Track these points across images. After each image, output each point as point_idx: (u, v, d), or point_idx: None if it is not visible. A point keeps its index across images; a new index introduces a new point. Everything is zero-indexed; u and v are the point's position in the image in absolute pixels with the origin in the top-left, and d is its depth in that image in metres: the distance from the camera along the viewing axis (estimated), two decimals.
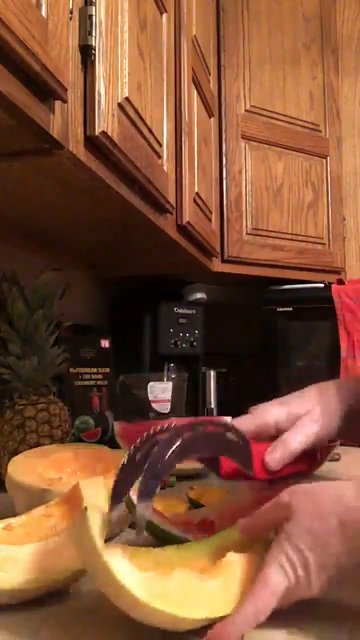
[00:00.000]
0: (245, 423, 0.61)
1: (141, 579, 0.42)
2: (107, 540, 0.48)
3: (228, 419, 1.16)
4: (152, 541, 0.57)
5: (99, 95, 0.75)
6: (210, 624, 0.42)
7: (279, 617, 0.45)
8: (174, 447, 0.47)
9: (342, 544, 0.44)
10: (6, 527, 0.57)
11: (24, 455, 0.79)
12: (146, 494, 0.43)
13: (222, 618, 0.43)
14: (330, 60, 1.85)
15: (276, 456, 0.58)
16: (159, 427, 0.50)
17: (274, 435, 0.62)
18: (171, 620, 0.42)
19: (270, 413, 0.62)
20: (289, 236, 1.70)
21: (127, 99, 0.84)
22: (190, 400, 1.53)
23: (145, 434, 0.49)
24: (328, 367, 1.62)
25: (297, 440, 0.60)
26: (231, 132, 1.62)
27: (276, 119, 1.71)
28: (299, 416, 0.62)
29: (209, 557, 0.49)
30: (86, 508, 0.43)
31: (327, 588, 0.44)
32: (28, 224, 1.09)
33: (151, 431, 0.50)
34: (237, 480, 0.61)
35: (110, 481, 0.67)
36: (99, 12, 0.75)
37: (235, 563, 0.47)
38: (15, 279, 0.95)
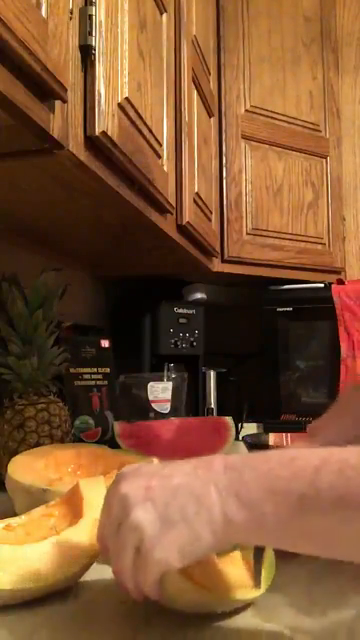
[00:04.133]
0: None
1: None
2: None
3: (229, 419, 1.16)
4: None
5: (99, 95, 0.75)
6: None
7: (279, 618, 0.45)
8: None
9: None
10: (6, 527, 0.57)
11: (24, 455, 0.79)
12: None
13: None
14: (330, 59, 1.85)
15: None
16: None
17: None
18: (207, 602, 0.45)
19: (330, 437, 0.64)
20: (289, 236, 1.70)
21: (127, 99, 0.84)
22: (190, 400, 1.53)
23: None
24: (328, 367, 1.62)
25: None
26: (231, 132, 1.62)
27: (276, 119, 1.70)
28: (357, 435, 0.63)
29: None
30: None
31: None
32: (28, 224, 1.09)
33: None
34: None
35: (110, 481, 0.68)
36: (99, 12, 0.75)
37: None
38: (15, 279, 0.95)
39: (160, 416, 1.27)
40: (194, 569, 0.44)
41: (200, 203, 1.32)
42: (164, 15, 1.07)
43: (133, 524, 0.41)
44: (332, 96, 1.84)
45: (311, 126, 1.78)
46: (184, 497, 0.41)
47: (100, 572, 0.52)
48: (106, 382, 1.28)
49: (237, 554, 0.52)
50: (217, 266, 1.57)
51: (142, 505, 0.42)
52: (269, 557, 0.51)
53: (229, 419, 1.17)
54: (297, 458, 0.41)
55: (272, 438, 1.18)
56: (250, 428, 1.64)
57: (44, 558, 0.51)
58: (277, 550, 0.55)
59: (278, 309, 1.66)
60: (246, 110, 1.66)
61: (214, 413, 1.67)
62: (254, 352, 1.72)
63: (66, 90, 0.65)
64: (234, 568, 0.50)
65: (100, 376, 1.28)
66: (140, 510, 0.42)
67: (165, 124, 1.07)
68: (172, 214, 1.14)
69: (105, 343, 1.32)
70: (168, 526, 0.41)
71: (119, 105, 0.81)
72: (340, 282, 1.69)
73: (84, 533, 0.53)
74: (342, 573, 0.55)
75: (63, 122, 0.68)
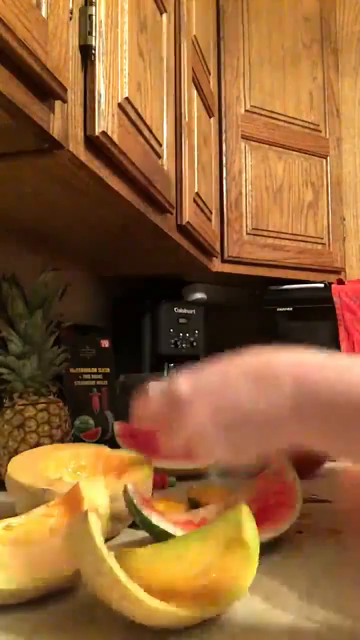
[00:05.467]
0: None
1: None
2: (106, 540, 0.48)
3: None
4: (151, 540, 0.57)
5: (99, 95, 0.75)
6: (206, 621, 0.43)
7: (280, 617, 0.45)
8: None
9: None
10: (6, 527, 0.57)
11: (24, 455, 0.78)
12: None
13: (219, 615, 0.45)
14: (330, 60, 1.85)
15: None
16: None
17: None
18: (174, 619, 0.42)
19: None
20: (289, 236, 1.70)
21: (127, 99, 0.84)
22: None
23: None
24: None
25: None
26: (231, 132, 1.62)
27: (276, 119, 1.71)
28: None
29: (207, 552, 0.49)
30: (87, 511, 0.44)
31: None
32: (28, 224, 1.09)
33: None
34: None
35: (110, 481, 0.68)
36: (99, 12, 0.75)
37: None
38: (15, 279, 0.95)
39: None
40: (160, 585, 0.43)
41: (200, 203, 1.32)
42: (164, 15, 1.08)
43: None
44: (332, 96, 1.84)
45: (311, 126, 1.78)
46: (257, 421, 0.46)
47: None
48: (106, 382, 1.28)
49: (211, 561, 0.46)
50: (217, 266, 1.57)
51: (216, 438, 0.46)
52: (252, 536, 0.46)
53: None
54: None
55: None
56: None
57: (44, 558, 0.51)
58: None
59: (278, 309, 1.67)
60: (246, 110, 1.66)
61: None
62: None
63: (66, 90, 0.65)
64: (205, 575, 0.45)
65: (100, 376, 1.28)
66: (217, 447, 0.47)
67: (165, 124, 1.07)
68: (172, 214, 1.14)
69: (105, 343, 1.32)
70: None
71: (119, 105, 0.81)
72: (340, 282, 1.70)
73: None
74: (341, 577, 0.55)
75: (63, 122, 0.68)
